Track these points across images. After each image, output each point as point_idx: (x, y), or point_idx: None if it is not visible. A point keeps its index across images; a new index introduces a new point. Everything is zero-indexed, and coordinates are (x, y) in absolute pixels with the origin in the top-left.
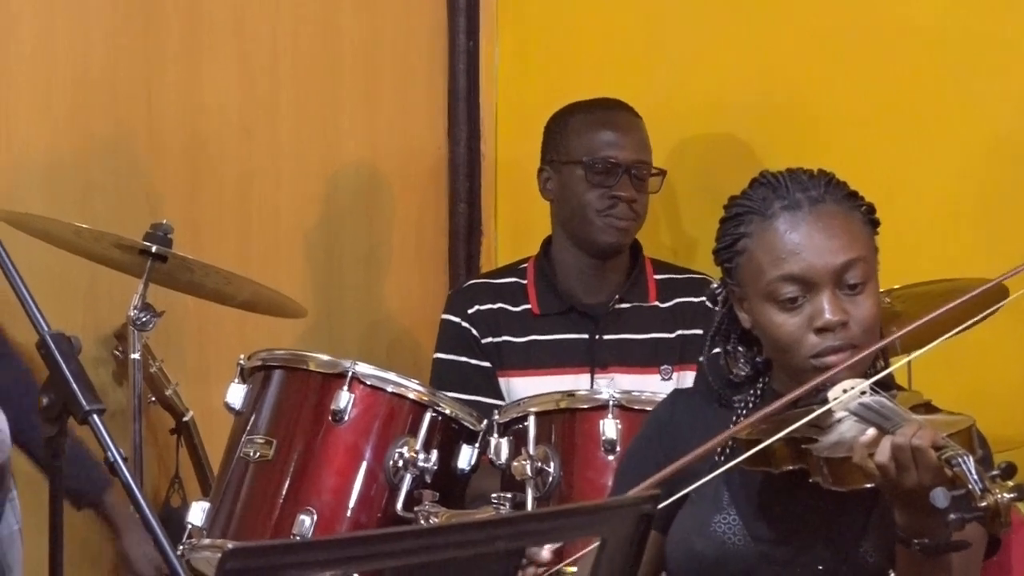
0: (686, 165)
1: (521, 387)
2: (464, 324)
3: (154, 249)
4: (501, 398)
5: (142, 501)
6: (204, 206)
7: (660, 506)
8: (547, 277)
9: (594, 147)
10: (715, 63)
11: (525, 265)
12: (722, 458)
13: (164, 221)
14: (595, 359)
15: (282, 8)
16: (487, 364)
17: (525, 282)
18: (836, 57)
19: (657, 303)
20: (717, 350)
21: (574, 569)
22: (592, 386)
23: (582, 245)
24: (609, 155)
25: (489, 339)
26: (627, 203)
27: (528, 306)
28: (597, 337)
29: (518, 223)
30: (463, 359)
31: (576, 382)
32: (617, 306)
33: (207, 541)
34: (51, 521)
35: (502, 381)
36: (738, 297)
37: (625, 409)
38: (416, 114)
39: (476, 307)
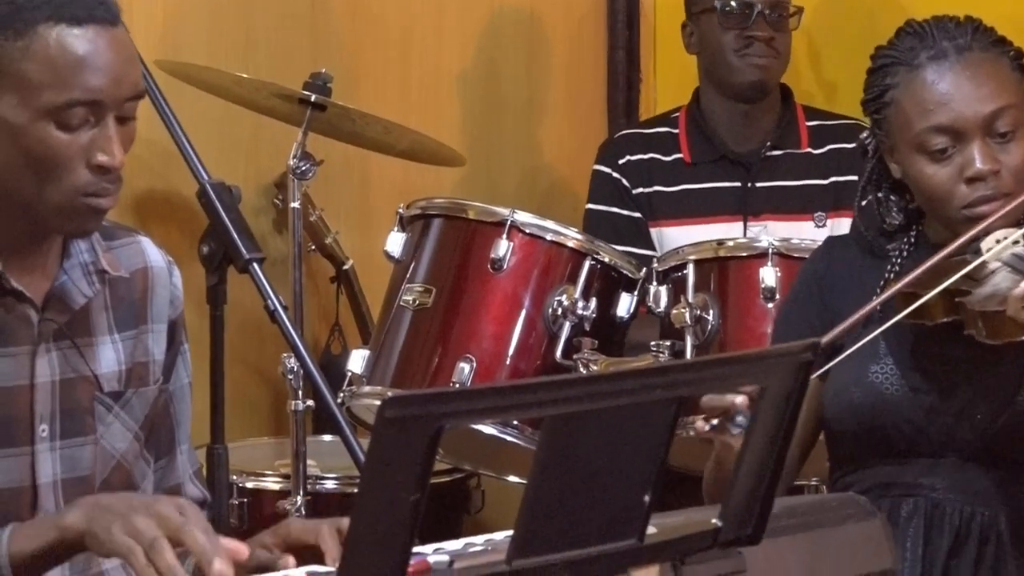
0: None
1: (673, 236)
2: (615, 175)
3: (313, 98)
4: (652, 249)
5: (302, 349)
6: (366, 56)
7: (827, 367)
8: (699, 126)
9: None
10: None
11: (677, 115)
12: (879, 310)
13: (323, 70)
14: (748, 207)
15: None
16: (638, 215)
17: (677, 131)
18: None
19: (810, 150)
20: (869, 199)
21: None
22: (745, 234)
23: (726, 90)
24: None
25: (640, 189)
26: (764, 42)
27: (680, 155)
28: (749, 185)
29: (677, 70)
30: (614, 210)
31: (729, 230)
32: (769, 153)
33: (367, 389)
34: (212, 372)
35: (654, 231)
36: (888, 148)
37: (784, 256)
38: None
39: (627, 157)
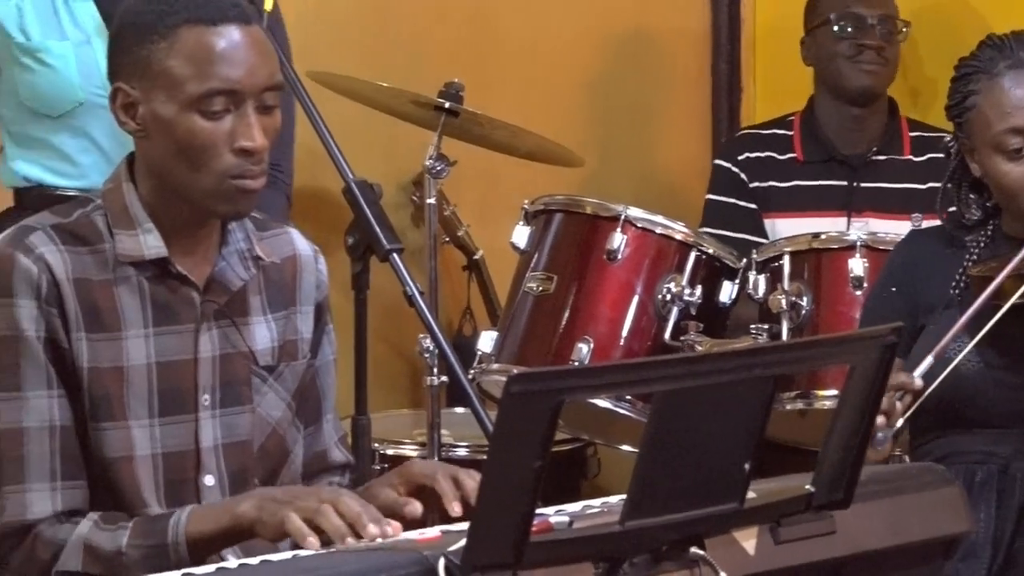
0: (929, 17)
1: (784, 227)
2: (734, 169)
3: (447, 105)
4: (765, 237)
5: (437, 330)
6: (493, 67)
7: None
8: (812, 128)
9: (841, 4)
10: None
11: (792, 118)
12: (956, 291)
13: (456, 80)
14: (852, 204)
15: None
16: (753, 206)
17: (791, 133)
18: None
19: (911, 157)
20: (951, 195)
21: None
22: (848, 229)
23: (840, 95)
24: (856, 11)
25: (756, 183)
26: (874, 50)
27: (793, 154)
28: (855, 184)
29: (775, 80)
30: (732, 200)
31: (834, 224)
32: (874, 157)
33: (495, 366)
34: (357, 350)
35: (767, 222)
36: (968, 149)
37: (872, 249)
38: None
39: (746, 154)
